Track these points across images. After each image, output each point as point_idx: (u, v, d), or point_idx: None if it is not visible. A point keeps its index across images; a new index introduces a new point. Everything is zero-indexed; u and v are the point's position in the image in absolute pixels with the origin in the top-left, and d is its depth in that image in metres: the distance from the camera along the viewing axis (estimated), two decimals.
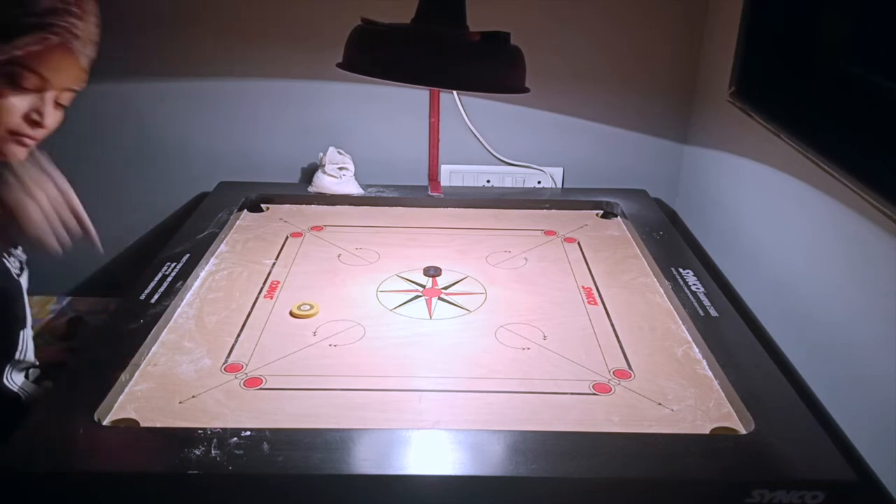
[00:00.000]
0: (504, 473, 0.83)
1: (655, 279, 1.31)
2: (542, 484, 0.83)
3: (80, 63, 0.90)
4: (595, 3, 1.59)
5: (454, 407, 0.97)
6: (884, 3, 1.24)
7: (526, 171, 1.73)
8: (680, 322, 1.17)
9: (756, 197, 1.40)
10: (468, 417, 0.95)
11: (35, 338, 1.13)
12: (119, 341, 1.05)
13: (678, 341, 1.12)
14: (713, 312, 1.17)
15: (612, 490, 0.85)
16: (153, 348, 1.06)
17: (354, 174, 1.63)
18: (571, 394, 1.00)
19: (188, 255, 1.30)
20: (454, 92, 1.64)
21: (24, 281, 1.06)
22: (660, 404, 0.98)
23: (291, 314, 1.17)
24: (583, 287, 1.29)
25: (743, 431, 0.92)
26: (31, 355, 1.10)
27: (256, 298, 1.22)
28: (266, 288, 1.25)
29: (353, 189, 1.62)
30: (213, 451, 0.84)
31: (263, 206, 1.59)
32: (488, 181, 1.74)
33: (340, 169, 1.61)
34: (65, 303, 1.74)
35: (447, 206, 1.62)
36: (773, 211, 1.33)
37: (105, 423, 0.90)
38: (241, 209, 1.55)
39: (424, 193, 1.65)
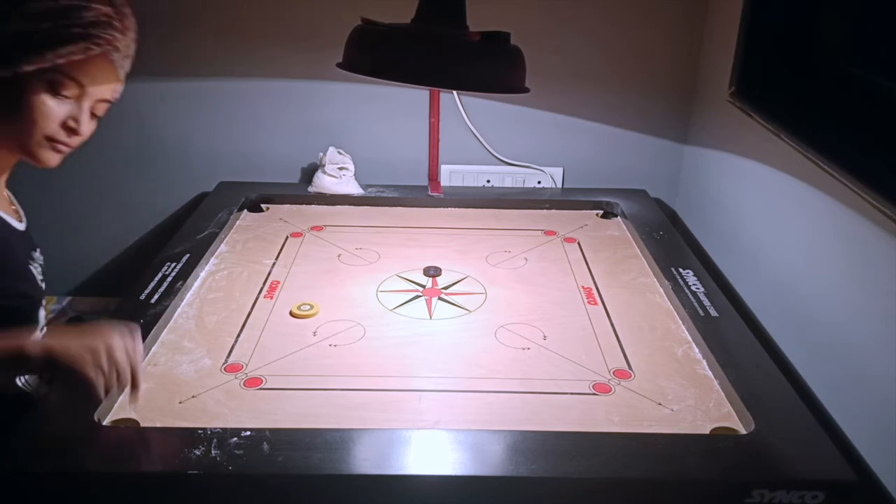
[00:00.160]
0: (504, 473, 0.84)
1: (655, 279, 1.31)
2: (542, 484, 0.83)
3: (118, 75, 0.93)
4: (595, 3, 1.59)
5: (454, 407, 0.97)
6: (884, 3, 1.24)
7: (526, 171, 1.73)
8: (680, 322, 1.17)
9: (756, 197, 1.40)
10: (468, 417, 0.95)
11: None
12: None
13: (678, 341, 1.12)
14: (713, 312, 1.17)
15: (612, 490, 0.85)
16: (153, 348, 1.06)
17: (354, 174, 1.63)
18: (571, 394, 1.00)
19: (188, 255, 1.30)
20: (454, 92, 1.64)
21: (43, 286, 1.06)
22: (660, 404, 0.98)
23: (291, 314, 1.17)
24: (583, 287, 1.29)
25: (743, 431, 0.92)
26: None
27: (256, 298, 1.22)
28: (266, 288, 1.25)
29: (353, 189, 1.62)
30: (213, 451, 0.84)
31: (263, 206, 1.59)
32: (488, 181, 1.74)
33: (340, 169, 1.61)
34: (65, 303, 1.75)
35: (447, 206, 1.62)
36: (773, 211, 1.33)
37: (105, 423, 0.90)
38: (241, 209, 1.55)
39: (424, 193, 1.65)
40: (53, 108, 0.89)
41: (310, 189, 1.63)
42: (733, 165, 1.49)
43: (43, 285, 1.05)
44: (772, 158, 1.32)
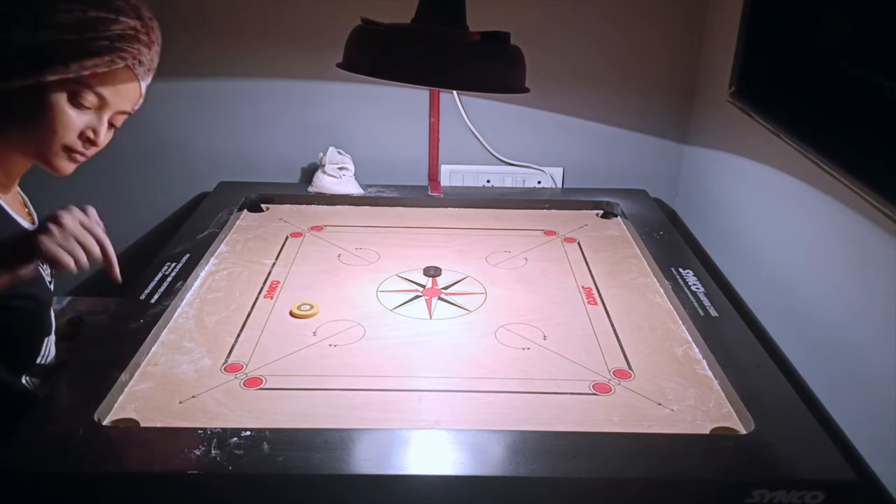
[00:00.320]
0: (504, 473, 0.84)
1: (655, 279, 1.31)
2: (542, 484, 0.83)
3: (140, 88, 0.94)
4: (595, 3, 1.59)
5: (454, 407, 0.97)
6: (884, 3, 1.24)
7: (526, 171, 1.73)
8: (680, 322, 1.17)
9: (756, 197, 1.40)
10: (468, 417, 0.95)
11: None
12: (119, 341, 1.05)
13: (678, 341, 1.12)
14: (713, 312, 1.17)
15: (612, 490, 0.85)
16: (153, 348, 1.06)
17: (354, 174, 1.63)
18: (571, 394, 1.00)
19: (188, 255, 1.30)
20: (454, 92, 1.64)
21: (52, 287, 1.07)
22: (660, 404, 0.98)
23: (291, 314, 1.17)
24: (583, 287, 1.29)
25: (743, 431, 0.92)
26: (52, 360, 1.10)
27: (256, 298, 1.22)
28: (266, 288, 1.25)
29: (353, 189, 1.62)
30: (213, 451, 0.84)
31: (263, 206, 1.59)
32: (488, 181, 1.74)
33: (340, 169, 1.61)
34: (65, 303, 1.74)
35: (447, 206, 1.62)
36: (773, 211, 1.33)
37: (105, 423, 0.90)
38: (241, 209, 1.55)
39: (424, 193, 1.65)
40: (73, 118, 0.89)
41: (310, 189, 1.63)
42: (733, 165, 1.49)
43: (52, 287, 1.06)
44: (772, 158, 1.32)
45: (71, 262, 0.84)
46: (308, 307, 1.18)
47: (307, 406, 0.96)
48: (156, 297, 1.16)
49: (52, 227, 0.84)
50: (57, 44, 0.84)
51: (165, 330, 1.11)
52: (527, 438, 0.88)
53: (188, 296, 1.20)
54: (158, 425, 0.91)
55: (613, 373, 1.05)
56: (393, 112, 1.68)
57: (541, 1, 1.59)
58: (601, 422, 0.94)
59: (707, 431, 0.92)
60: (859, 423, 1.04)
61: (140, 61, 0.90)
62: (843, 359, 1.09)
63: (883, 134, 1.12)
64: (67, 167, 0.94)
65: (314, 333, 1.12)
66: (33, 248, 0.83)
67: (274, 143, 1.71)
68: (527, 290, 1.28)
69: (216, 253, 1.36)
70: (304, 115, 1.68)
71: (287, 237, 1.45)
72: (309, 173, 1.70)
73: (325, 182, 1.61)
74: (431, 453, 0.87)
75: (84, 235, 0.85)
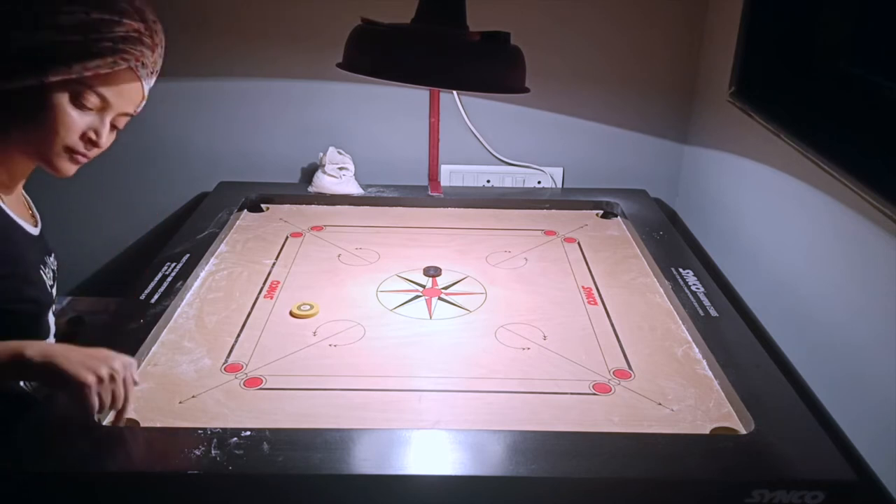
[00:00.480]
0: (504, 473, 0.83)
1: (655, 279, 1.31)
2: (542, 484, 0.83)
3: (142, 90, 0.93)
4: (595, 3, 1.59)
5: (454, 407, 0.97)
6: (884, 3, 1.24)
7: (526, 171, 1.73)
8: (680, 322, 1.17)
9: (756, 197, 1.40)
10: (468, 417, 0.95)
11: None
12: (119, 341, 1.04)
13: (678, 341, 1.12)
14: (713, 312, 1.17)
15: (612, 490, 0.85)
16: (153, 348, 1.06)
17: (354, 174, 1.63)
18: (571, 394, 1.00)
19: (188, 255, 1.30)
20: (454, 92, 1.64)
21: (53, 291, 1.07)
22: (660, 404, 0.98)
23: (291, 314, 1.17)
24: (583, 287, 1.29)
25: (743, 431, 0.92)
26: None
27: (256, 298, 1.22)
28: (266, 288, 1.25)
29: (353, 189, 1.62)
30: (213, 451, 0.84)
31: (263, 206, 1.59)
32: (488, 181, 1.74)
33: (340, 169, 1.61)
34: (65, 303, 1.74)
35: (447, 206, 1.62)
36: (773, 211, 1.33)
37: (105, 423, 0.90)
38: (241, 209, 1.55)
39: (424, 193, 1.65)
40: (75, 119, 0.89)
41: (310, 189, 1.63)
42: (733, 165, 1.49)
43: (54, 291, 1.05)
44: (772, 158, 1.32)
45: (96, 407, 0.85)
46: (308, 307, 1.18)
47: (307, 406, 0.96)
48: (156, 297, 1.16)
49: (101, 366, 0.85)
50: (60, 45, 0.84)
51: (165, 330, 1.11)
52: (527, 438, 0.88)
53: (188, 296, 1.20)
54: (158, 425, 0.91)
55: (613, 373, 1.05)
56: (393, 112, 1.68)
57: (541, 1, 1.59)
58: (601, 422, 0.94)
59: (707, 431, 0.92)
60: (859, 423, 1.04)
61: (143, 63, 0.90)
62: (843, 359, 1.09)
63: (883, 134, 1.12)
64: (69, 168, 0.94)
65: (314, 333, 1.12)
66: (71, 371, 0.83)
67: (274, 143, 1.71)
68: (527, 290, 1.28)
69: (216, 253, 1.36)
70: (304, 115, 1.68)
71: (287, 237, 1.45)
72: (309, 173, 1.70)
73: (325, 182, 1.61)
74: (431, 453, 0.87)
75: (120, 387, 0.86)
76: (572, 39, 1.62)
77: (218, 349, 1.07)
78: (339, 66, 0.99)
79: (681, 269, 1.30)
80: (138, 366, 1.01)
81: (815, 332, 1.17)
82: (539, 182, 1.74)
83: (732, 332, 1.12)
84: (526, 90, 1.00)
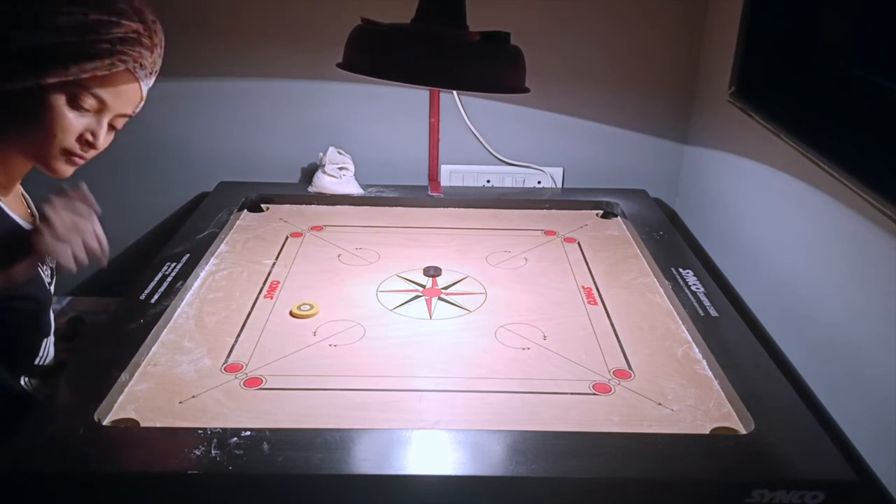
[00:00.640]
0: (504, 473, 0.84)
1: (655, 279, 1.31)
2: (542, 484, 0.83)
3: (140, 92, 0.93)
4: (595, 3, 1.59)
5: (454, 407, 0.97)
6: (884, 3, 1.24)
7: (526, 171, 1.73)
8: (680, 322, 1.17)
9: (756, 197, 1.40)
10: (468, 417, 0.95)
11: None
12: (119, 341, 1.05)
13: (678, 341, 1.12)
14: (713, 312, 1.17)
15: (612, 490, 0.85)
16: (153, 348, 1.06)
17: (354, 174, 1.63)
18: (571, 394, 1.00)
19: (188, 255, 1.30)
20: (454, 92, 1.64)
21: (52, 289, 1.07)
22: (660, 404, 0.98)
23: (291, 314, 1.17)
24: (583, 287, 1.29)
25: (743, 431, 0.92)
26: (50, 361, 1.10)
27: (256, 298, 1.22)
28: (266, 288, 1.25)
29: (353, 189, 1.62)
30: (213, 451, 0.84)
31: (263, 206, 1.59)
32: (488, 181, 1.74)
33: (340, 169, 1.61)
34: (65, 303, 1.74)
35: (447, 206, 1.62)
36: (773, 211, 1.33)
37: (105, 423, 0.90)
38: (241, 209, 1.55)
39: (424, 193, 1.65)
40: (72, 121, 0.89)
41: (310, 189, 1.63)
42: (733, 165, 1.49)
43: (52, 289, 1.06)
44: (772, 158, 1.32)
45: (70, 262, 0.85)
46: (308, 307, 1.18)
47: (307, 406, 0.96)
48: (156, 297, 1.16)
49: (45, 227, 0.84)
50: (57, 46, 0.84)
51: (165, 330, 1.11)
52: (527, 438, 0.88)
53: (188, 296, 1.20)
54: (158, 425, 0.91)
55: (613, 373, 1.05)
56: (393, 112, 1.68)
57: (541, 1, 1.59)
58: (601, 422, 0.94)
59: (707, 431, 0.92)
60: (859, 423, 1.04)
61: (141, 64, 0.90)
62: (843, 359, 1.09)
63: (883, 134, 1.12)
64: (66, 170, 0.93)
65: (314, 333, 1.12)
66: (30, 248, 0.84)
67: (274, 143, 1.71)
68: (527, 290, 1.28)
69: (216, 253, 1.36)
70: (304, 115, 1.68)
71: (287, 237, 1.45)
72: (309, 173, 1.70)
73: (325, 182, 1.61)
74: (431, 453, 0.87)
75: (77, 233, 0.86)
76: (572, 39, 1.62)
77: (218, 349, 1.07)
78: (339, 66, 0.99)
79: (681, 269, 1.30)
80: (138, 366, 1.01)
81: (815, 332, 1.17)
82: (539, 182, 1.74)
83: (732, 332, 1.12)
84: (526, 90, 1.00)
